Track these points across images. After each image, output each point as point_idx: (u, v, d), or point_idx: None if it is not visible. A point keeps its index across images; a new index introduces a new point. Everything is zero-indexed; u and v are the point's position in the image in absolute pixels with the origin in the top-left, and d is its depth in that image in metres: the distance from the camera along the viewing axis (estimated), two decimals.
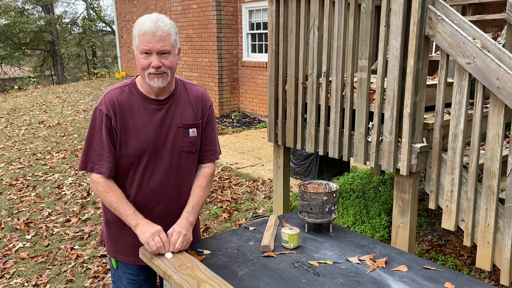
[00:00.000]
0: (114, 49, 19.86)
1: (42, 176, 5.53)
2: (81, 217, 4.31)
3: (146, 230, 1.70)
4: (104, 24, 26.09)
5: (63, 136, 7.57)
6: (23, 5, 22.98)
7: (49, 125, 8.38)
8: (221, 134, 7.75)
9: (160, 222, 1.79)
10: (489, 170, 2.42)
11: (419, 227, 3.74)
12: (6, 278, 3.27)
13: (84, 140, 1.82)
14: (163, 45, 1.66)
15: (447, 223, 2.68)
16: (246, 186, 5.06)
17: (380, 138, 2.91)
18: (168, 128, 1.80)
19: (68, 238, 3.89)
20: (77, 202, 4.69)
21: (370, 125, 2.96)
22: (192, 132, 1.84)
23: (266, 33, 8.44)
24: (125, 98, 1.77)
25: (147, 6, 13.41)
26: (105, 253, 3.61)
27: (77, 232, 4.00)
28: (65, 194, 4.95)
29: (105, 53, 25.54)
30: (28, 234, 3.97)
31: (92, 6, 25.34)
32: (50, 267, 3.43)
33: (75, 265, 3.44)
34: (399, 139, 2.79)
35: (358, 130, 3.02)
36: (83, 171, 1.88)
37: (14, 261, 3.51)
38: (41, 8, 23.86)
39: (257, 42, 8.78)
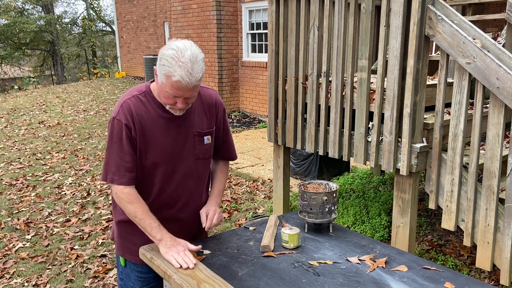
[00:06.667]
0: (114, 49, 19.86)
1: (42, 176, 5.53)
2: (81, 217, 4.31)
3: (171, 246, 1.68)
4: (104, 24, 26.11)
5: (63, 136, 7.57)
6: (23, 5, 22.99)
7: (49, 125, 8.38)
8: None
9: (172, 224, 1.80)
10: (489, 170, 2.42)
11: (419, 227, 3.74)
12: (6, 278, 3.27)
13: (104, 150, 1.83)
14: (192, 93, 1.64)
15: (447, 223, 2.68)
16: (246, 186, 5.06)
17: (380, 138, 2.91)
18: (185, 137, 1.80)
19: (68, 238, 3.89)
20: (77, 202, 4.69)
21: (370, 125, 2.96)
22: (207, 139, 1.86)
23: (266, 33, 8.44)
24: (142, 108, 1.73)
25: (147, 6, 13.40)
26: (105, 253, 3.61)
27: (77, 232, 4.00)
28: (65, 194, 4.95)
29: (105, 53, 25.53)
30: (28, 234, 3.97)
31: (92, 6, 25.34)
32: (50, 267, 3.43)
33: (75, 265, 3.44)
34: (399, 139, 2.79)
35: (358, 130, 3.02)
36: (104, 182, 1.85)
37: (14, 261, 3.51)
38: (41, 8, 23.86)
39: (257, 42, 8.78)
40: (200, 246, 1.74)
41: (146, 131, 1.73)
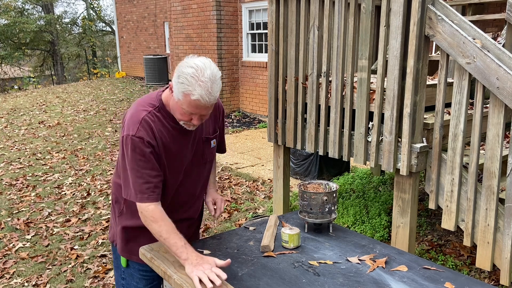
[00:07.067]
0: (114, 49, 19.86)
1: (42, 176, 5.53)
2: (81, 217, 4.31)
3: (197, 264, 1.57)
4: (104, 24, 26.10)
5: (63, 136, 7.57)
6: (23, 5, 22.98)
7: (49, 125, 8.38)
8: None
9: (180, 224, 1.79)
10: (489, 170, 2.42)
11: (419, 227, 3.74)
12: (6, 278, 3.27)
13: (122, 170, 1.76)
14: (209, 111, 1.65)
15: (447, 223, 2.68)
16: (246, 186, 5.06)
17: (380, 138, 2.91)
18: (196, 144, 1.85)
19: (68, 238, 3.89)
20: (77, 202, 4.69)
21: (370, 125, 2.96)
22: (213, 143, 1.92)
23: (266, 33, 8.44)
24: (160, 123, 1.71)
25: (147, 6, 13.40)
26: (105, 253, 3.61)
27: (77, 232, 4.00)
28: (65, 194, 4.95)
29: (105, 53, 25.53)
30: (28, 234, 3.97)
31: (92, 6, 25.34)
32: (50, 267, 3.43)
33: (75, 265, 3.44)
34: (399, 139, 2.79)
35: (358, 130, 3.02)
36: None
37: (14, 261, 3.51)
38: (41, 8, 23.86)
39: (257, 42, 8.78)
40: (229, 261, 1.59)
41: (166, 146, 1.73)
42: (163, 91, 1.76)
